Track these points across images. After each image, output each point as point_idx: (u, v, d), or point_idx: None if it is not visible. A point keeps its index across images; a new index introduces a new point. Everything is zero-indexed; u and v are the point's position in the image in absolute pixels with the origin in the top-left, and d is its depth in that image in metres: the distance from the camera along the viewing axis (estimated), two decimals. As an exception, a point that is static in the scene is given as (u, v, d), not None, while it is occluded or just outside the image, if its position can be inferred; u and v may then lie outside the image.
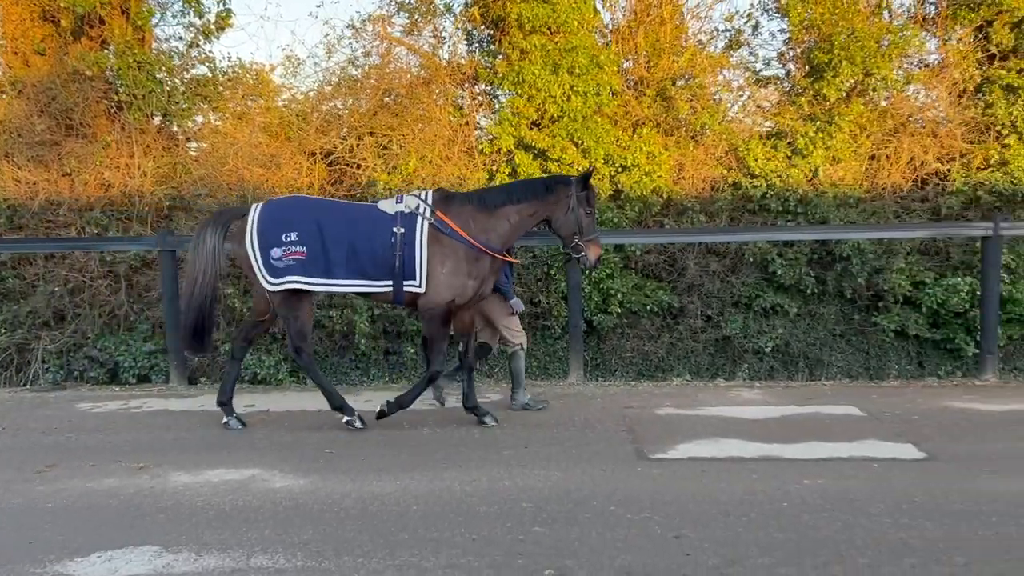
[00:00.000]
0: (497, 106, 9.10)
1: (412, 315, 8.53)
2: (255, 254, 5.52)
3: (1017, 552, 3.56)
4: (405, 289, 5.56)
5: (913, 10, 9.32)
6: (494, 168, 9.07)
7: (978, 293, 8.10)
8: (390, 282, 5.55)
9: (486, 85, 9.29)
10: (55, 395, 7.33)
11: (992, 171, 8.83)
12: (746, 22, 9.38)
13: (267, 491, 4.55)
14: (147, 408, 6.63)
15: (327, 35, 11.40)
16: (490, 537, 3.85)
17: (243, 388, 7.49)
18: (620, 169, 8.93)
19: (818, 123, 8.83)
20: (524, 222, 5.74)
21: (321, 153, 9.18)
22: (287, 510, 4.25)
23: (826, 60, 8.72)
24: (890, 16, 9.30)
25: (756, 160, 8.86)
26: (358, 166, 9.10)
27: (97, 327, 8.71)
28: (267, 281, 5.52)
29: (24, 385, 8.34)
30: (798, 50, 9.20)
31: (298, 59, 9.71)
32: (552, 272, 8.90)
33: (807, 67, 9.05)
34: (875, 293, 8.94)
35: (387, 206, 5.69)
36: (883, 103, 9.04)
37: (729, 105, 9.35)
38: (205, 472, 4.89)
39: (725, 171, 9.08)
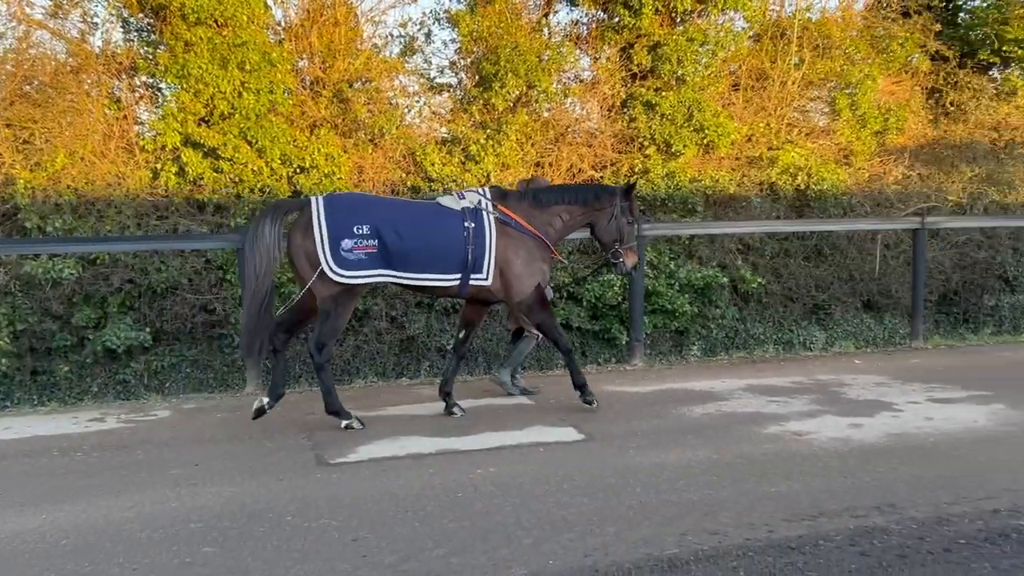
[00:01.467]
0: (161, 100, 8.47)
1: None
2: (323, 245, 5.36)
3: (656, 518, 4.00)
4: (471, 282, 5.71)
5: (568, 29, 10.16)
6: (159, 166, 8.43)
7: (627, 287, 9.05)
8: (459, 275, 5.67)
9: (147, 77, 8.60)
10: None
11: (637, 178, 9.87)
12: (419, 29, 9.62)
13: None
14: None
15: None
16: (153, 564, 3.56)
17: None
18: (298, 170, 8.74)
19: (488, 131, 9.30)
20: (572, 222, 6.15)
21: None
22: None
23: (493, 71, 9.20)
24: (549, 33, 10.06)
25: (433, 164, 9.12)
26: (-8, 162, 8.00)
27: None
28: (335, 272, 5.37)
29: None
30: (468, 60, 9.62)
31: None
32: (227, 277, 8.49)
33: (477, 77, 9.49)
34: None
35: (450, 202, 5.83)
36: (545, 114, 9.74)
37: (406, 110, 9.53)
38: None
39: (404, 174, 9.24)
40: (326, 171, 8.78)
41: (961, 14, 12.22)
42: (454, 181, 9.21)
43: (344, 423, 5.65)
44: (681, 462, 4.86)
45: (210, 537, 3.85)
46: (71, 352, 8.26)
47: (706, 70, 9.97)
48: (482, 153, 9.21)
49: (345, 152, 8.98)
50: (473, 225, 5.68)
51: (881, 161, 11.01)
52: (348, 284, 5.45)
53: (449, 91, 9.80)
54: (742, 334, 10.43)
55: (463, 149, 9.29)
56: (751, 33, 10.62)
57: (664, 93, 9.79)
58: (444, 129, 9.60)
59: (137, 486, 4.56)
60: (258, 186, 8.62)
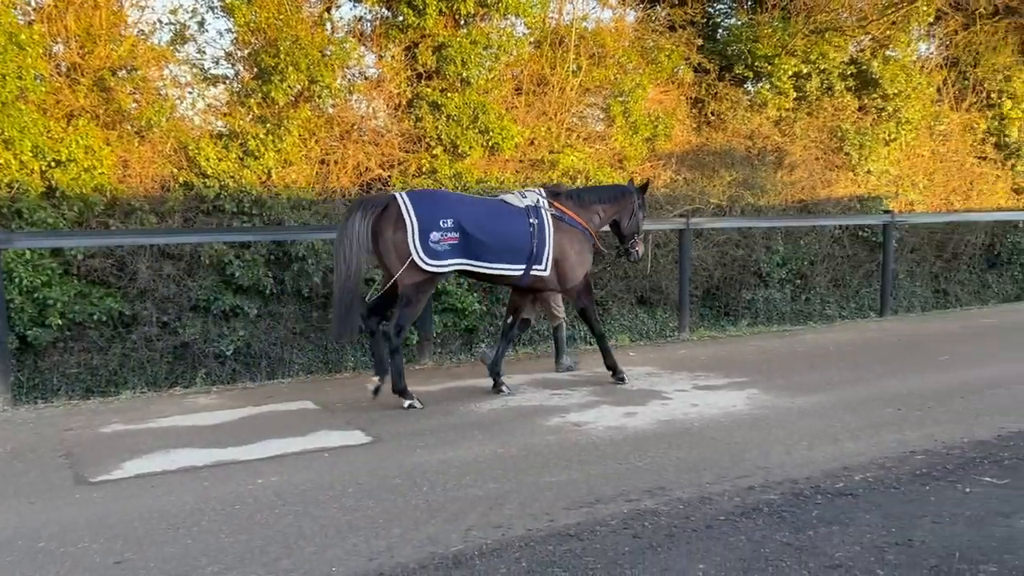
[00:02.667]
0: None
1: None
2: (414, 238, 5.96)
3: (441, 516, 4.01)
4: (532, 273, 6.45)
5: (352, 25, 9.99)
6: None
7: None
8: (523, 266, 6.39)
9: None
10: None
11: (425, 178, 9.89)
12: (192, 17, 9.05)
13: None
14: None
15: None
16: None
17: None
18: (54, 164, 7.98)
19: (268, 126, 8.95)
20: (605, 219, 7.03)
21: None
22: None
23: (273, 64, 8.86)
24: (332, 28, 9.83)
25: (208, 160, 8.66)
26: None
27: None
28: (424, 262, 6.00)
29: None
30: (246, 52, 9.19)
31: None
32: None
33: (256, 69, 9.10)
34: (329, 291, 9.37)
35: (514, 200, 6.58)
36: (329, 110, 9.52)
37: (178, 102, 8.96)
38: None
39: (176, 170, 8.69)
40: (86, 165, 8.09)
41: (720, 31, 13.29)
42: (231, 177, 8.80)
43: (407, 403, 6.13)
44: (468, 458, 4.91)
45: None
46: None
47: (490, 73, 10.15)
48: (262, 148, 8.85)
49: (108, 145, 8.31)
50: (536, 221, 6.45)
51: (652, 165, 11.72)
52: (433, 272, 6.10)
53: (225, 83, 9.32)
54: (527, 331, 10.72)
55: (241, 144, 8.88)
56: (532, 39, 10.93)
57: (450, 94, 9.87)
58: (220, 123, 9.12)
59: None
60: (5, 181, 7.78)
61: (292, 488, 4.41)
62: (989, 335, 9.39)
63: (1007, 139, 14.67)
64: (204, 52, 9.22)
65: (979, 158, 14.66)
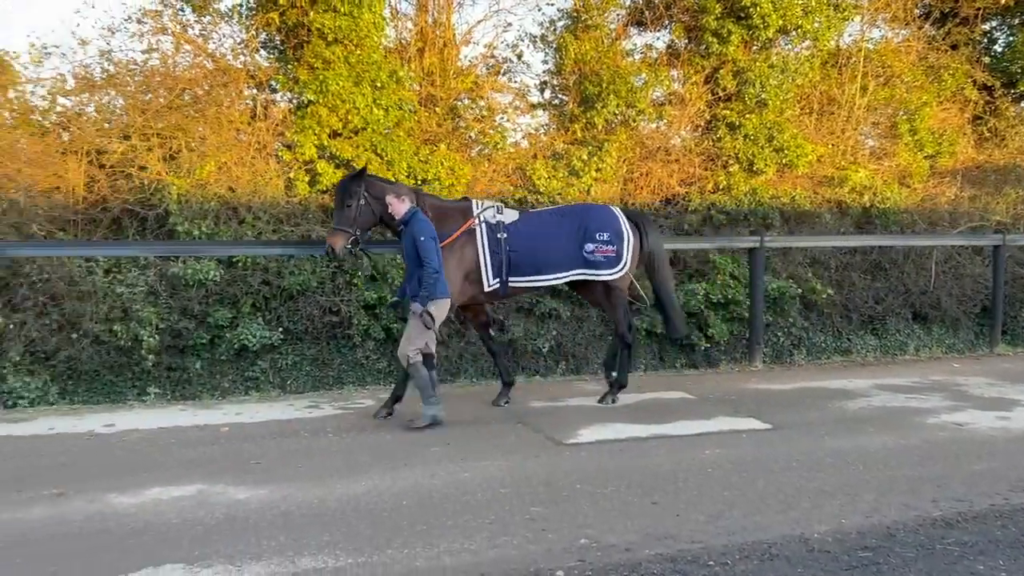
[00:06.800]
0: (301, 114, 8.90)
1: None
2: None
3: (898, 488, 4.61)
4: None
5: (659, 54, 10.82)
6: (292, 176, 8.88)
7: (711, 297, 9.74)
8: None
9: (286, 92, 9.07)
10: None
11: (720, 194, 10.55)
12: (529, 49, 10.26)
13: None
14: None
15: (100, 24, 10.06)
16: (497, 519, 4.07)
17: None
18: (422, 182, 9.25)
19: (590, 148, 9.90)
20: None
21: (94, 152, 8.33)
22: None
23: (596, 92, 9.83)
24: (643, 57, 10.70)
25: (540, 178, 9.71)
26: (143, 168, 8.37)
27: None
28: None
29: None
30: (571, 81, 10.20)
31: (53, 47, 8.65)
32: (354, 282, 8.96)
33: (580, 97, 10.10)
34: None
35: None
36: (644, 132, 10.38)
37: (515, 127, 10.12)
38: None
39: (513, 187, 9.80)
40: (447, 183, 9.31)
41: (996, 47, 13.16)
42: (558, 194, 9.81)
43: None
44: (876, 445, 5.47)
45: (539, 499, 4.37)
46: (202, 350, 8.63)
47: (785, 95, 10.68)
48: (585, 169, 9.81)
49: (462, 166, 9.51)
50: None
51: (935, 183, 11.82)
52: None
53: (554, 110, 10.38)
54: (804, 341, 11.12)
55: (566, 164, 9.88)
56: (820, 61, 11.35)
57: (747, 115, 10.48)
58: (550, 145, 10.17)
59: (421, 461, 5.07)
60: (385, 197, 9.11)
61: (738, 459, 5.14)
62: None
63: None
64: (539, 83, 10.38)
65: None
